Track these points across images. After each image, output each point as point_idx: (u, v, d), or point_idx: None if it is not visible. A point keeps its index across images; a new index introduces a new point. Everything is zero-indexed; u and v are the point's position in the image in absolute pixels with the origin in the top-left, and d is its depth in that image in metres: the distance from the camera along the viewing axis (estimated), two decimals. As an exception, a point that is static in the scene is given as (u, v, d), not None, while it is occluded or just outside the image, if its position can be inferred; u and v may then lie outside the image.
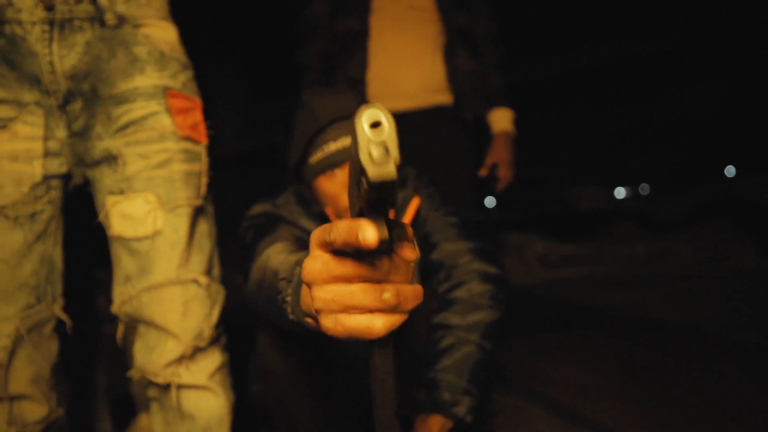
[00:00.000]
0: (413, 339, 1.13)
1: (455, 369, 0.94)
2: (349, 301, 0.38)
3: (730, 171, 15.84)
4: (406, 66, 1.54)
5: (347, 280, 0.39)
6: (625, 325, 2.73)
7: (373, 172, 0.29)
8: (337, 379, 1.02)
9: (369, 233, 0.33)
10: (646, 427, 1.35)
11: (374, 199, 0.32)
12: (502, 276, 1.04)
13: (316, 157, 0.97)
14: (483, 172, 1.64)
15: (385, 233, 0.35)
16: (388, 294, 0.38)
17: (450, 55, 1.55)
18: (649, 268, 5.19)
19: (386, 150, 0.29)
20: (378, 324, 0.39)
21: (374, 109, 0.29)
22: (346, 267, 0.38)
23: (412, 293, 0.40)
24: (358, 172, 0.31)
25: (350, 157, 0.31)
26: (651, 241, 6.08)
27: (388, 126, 0.29)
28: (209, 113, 0.92)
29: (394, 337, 0.42)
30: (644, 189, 18.95)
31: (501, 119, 1.62)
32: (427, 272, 1.10)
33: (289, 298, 0.56)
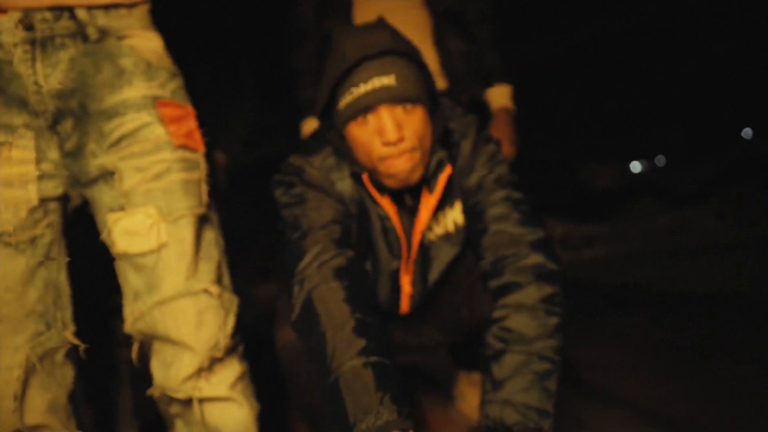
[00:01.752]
0: (450, 307, 1.08)
1: (531, 391, 0.84)
2: None
3: (747, 133, 15.39)
4: None
5: None
6: (654, 302, 2.67)
7: None
8: None
9: None
10: (689, 405, 1.29)
11: None
12: (561, 273, 0.92)
13: (345, 101, 0.88)
14: None
15: None
16: None
17: (439, 38, 1.51)
18: (673, 241, 5.08)
19: None
20: None
21: None
22: None
23: None
24: None
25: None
26: (672, 213, 5.97)
27: None
28: (217, 124, 0.89)
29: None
30: (660, 161, 18.57)
31: (499, 96, 1.56)
32: (471, 246, 1.00)
33: None
